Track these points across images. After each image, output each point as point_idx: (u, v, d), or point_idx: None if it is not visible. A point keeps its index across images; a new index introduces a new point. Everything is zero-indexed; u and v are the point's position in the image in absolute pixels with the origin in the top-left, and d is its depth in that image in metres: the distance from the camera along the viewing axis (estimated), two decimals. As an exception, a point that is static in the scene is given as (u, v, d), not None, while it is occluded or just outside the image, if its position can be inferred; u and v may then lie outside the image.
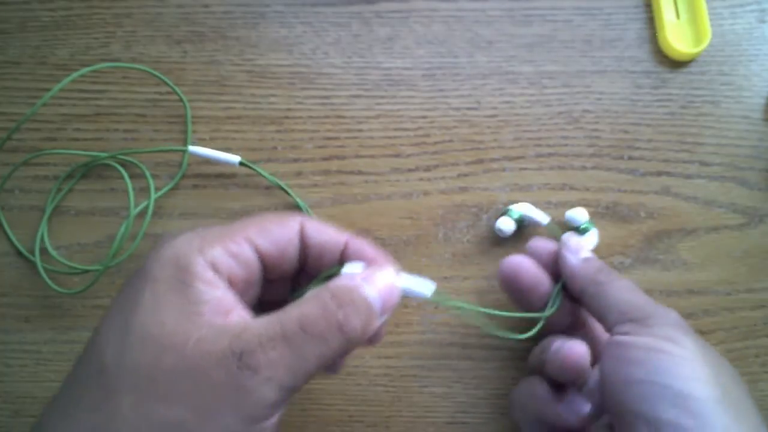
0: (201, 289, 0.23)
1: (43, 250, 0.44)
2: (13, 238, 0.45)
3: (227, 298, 0.24)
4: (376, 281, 0.26)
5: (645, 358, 0.28)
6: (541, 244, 0.38)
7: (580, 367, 0.33)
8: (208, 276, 0.24)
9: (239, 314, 0.24)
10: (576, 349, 0.33)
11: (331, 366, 0.32)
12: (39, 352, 0.44)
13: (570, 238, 0.37)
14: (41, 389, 0.43)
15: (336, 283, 0.25)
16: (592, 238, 0.42)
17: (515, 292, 0.37)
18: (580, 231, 0.42)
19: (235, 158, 0.44)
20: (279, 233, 0.27)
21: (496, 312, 0.35)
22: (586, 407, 0.34)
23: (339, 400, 0.43)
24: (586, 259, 0.35)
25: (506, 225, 0.42)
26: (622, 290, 0.33)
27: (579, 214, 0.43)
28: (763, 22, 0.48)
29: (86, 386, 0.23)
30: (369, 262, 0.28)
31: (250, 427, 0.22)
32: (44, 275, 0.43)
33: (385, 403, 0.43)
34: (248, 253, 0.26)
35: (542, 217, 0.42)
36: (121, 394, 0.21)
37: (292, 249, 0.27)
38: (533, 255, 0.37)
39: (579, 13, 0.48)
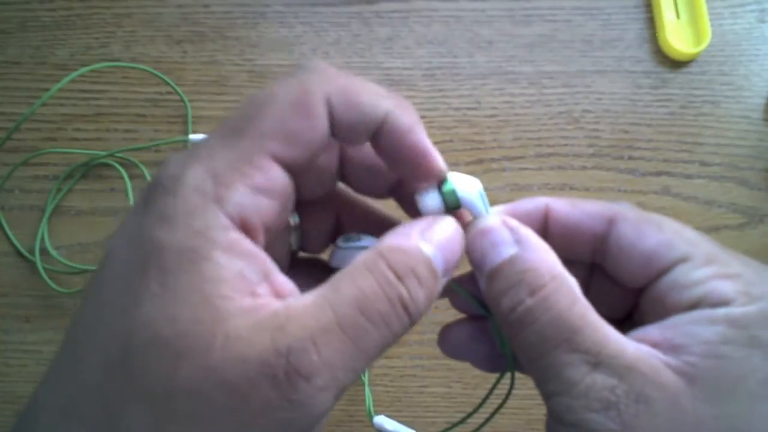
0: (220, 261, 0.17)
1: (43, 250, 0.44)
2: (13, 238, 0.45)
3: (255, 266, 0.18)
4: (434, 233, 0.20)
5: None
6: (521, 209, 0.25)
7: None
8: (230, 238, 0.18)
9: (271, 288, 0.18)
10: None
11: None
12: (39, 352, 0.44)
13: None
14: (41, 389, 0.43)
15: (389, 242, 0.19)
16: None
17: None
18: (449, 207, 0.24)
19: None
20: (306, 128, 0.19)
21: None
22: None
23: (339, 399, 0.43)
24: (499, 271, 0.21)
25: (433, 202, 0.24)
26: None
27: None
28: (763, 22, 0.48)
29: (81, 403, 0.18)
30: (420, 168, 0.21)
31: None
32: (44, 275, 0.43)
33: (385, 403, 0.43)
34: (278, 178, 0.19)
35: (480, 208, 0.23)
36: (127, 420, 0.17)
37: (324, 147, 0.20)
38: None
39: (579, 13, 0.48)
